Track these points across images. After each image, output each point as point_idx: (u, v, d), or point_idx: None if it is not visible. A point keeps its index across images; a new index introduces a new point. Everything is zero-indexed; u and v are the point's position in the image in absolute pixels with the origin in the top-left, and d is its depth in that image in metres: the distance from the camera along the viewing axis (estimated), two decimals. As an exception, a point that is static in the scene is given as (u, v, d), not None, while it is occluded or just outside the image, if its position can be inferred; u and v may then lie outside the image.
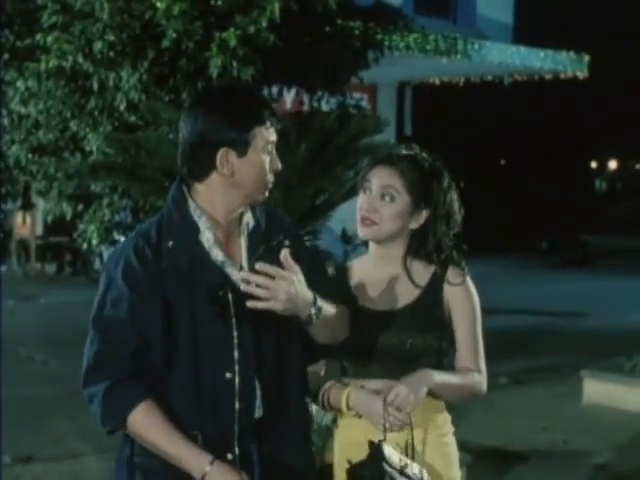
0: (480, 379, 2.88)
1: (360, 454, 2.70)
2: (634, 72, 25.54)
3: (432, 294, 2.87)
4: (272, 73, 9.49)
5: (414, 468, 2.70)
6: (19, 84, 9.37)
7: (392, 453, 2.68)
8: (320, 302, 2.58)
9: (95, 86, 9.04)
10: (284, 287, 2.47)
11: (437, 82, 18.36)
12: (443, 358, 2.88)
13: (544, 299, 13.86)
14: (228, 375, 2.56)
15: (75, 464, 6.08)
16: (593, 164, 33.93)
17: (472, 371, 2.86)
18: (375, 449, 2.68)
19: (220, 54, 8.61)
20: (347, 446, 2.84)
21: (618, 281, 16.30)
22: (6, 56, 9.75)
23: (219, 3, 8.91)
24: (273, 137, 2.64)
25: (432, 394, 2.83)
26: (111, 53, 8.84)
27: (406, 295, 2.87)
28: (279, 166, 2.66)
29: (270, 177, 2.65)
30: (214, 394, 2.55)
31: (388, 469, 2.64)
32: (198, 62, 8.89)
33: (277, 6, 8.68)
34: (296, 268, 2.51)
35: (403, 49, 13.98)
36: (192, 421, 2.54)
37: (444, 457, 2.86)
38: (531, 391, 8.43)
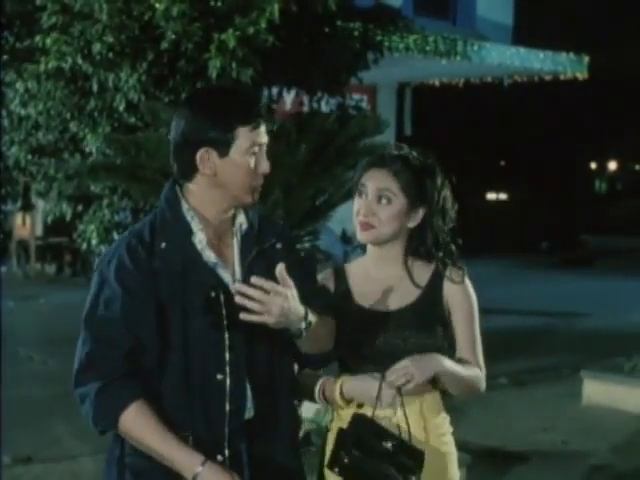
0: (481, 376, 2.90)
1: None
2: (634, 73, 25.54)
3: (433, 293, 2.87)
4: (272, 74, 9.50)
5: (404, 449, 2.70)
6: (18, 85, 9.38)
7: (380, 428, 2.70)
8: (310, 316, 2.58)
9: (94, 87, 9.04)
10: (278, 302, 2.47)
11: (437, 83, 18.37)
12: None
13: (544, 299, 13.86)
14: (219, 377, 2.56)
15: (75, 464, 6.08)
16: (593, 165, 33.93)
17: (474, 366, 2.88)
18: (354, 421, 2.70)
19: (219, 55, 8.61)
20: None
21: (618, 281, 16.30)
22: (6, 57, 9.75)
23: (218, 4, 8.91)
24: (260, 139, 2.60)
25: (430, 391, 2.84)
26: (110, 54, 8.84)
27: (407, 295, 2.87)
28: (267, 169, 2.63)
29: (257, 180, 2.63)
30: (205, 395, 2.55)
31: (346, 443, 2.67)
32: (197, 63, 8.90)
33: (276, 7, 8.68)
34: (290, 283, 2.51)
35: (403, 50, 13.99)
36: (183, 422, 2.53)
37: (443, 457, 2.87)
38: (531, 392, 8.42)
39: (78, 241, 9.53)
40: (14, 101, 9.51)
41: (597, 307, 13.16)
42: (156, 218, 2.63)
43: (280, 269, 2.50)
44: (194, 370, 2.54)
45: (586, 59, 16.89)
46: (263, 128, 2.62)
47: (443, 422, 2.91)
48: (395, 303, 2.86)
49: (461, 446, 4.77)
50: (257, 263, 2.65)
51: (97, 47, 8.78)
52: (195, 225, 2.60)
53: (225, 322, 2.57)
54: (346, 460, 2.66)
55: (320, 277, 2.90)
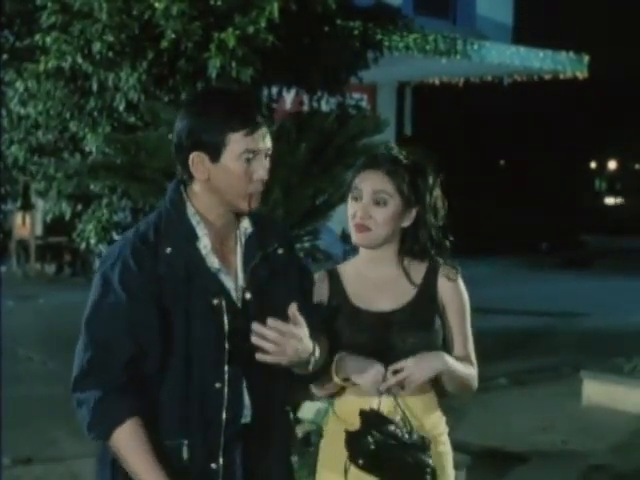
0: (475, 373, 2.93)
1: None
2: (634, 72, 25.54)
3: (428, 291, 2.88)
4: (271, 73, 9.49)
5: (413, 436, 2.72)
6: (18, 84, 9.36)
7: (386, 418, 2.71)
8: (317, 351, 2.59)
9: (94, 86, 9.03)
10: (293, 344, 2.48)
11: (437, 82, 18.36)
12: None
13: (544, 299, 13.85)
14: (217, 385, 2.54)
15: (75, 465, 6.07)
16: (593, 164, 33.93)
17: (469, 364, 2.90)
18: (364, 415, 2.69)
19: (219, 54, 8.60)
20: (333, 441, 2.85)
21: (618, 282, 16.29)
22: (5, 56, 9.74)
23: (218, 3, 8.90)
24: (255, 145, 2.55)
25: (427, 391, 2.85)
26: (110, 53, 8.83)
27: (403, 294, 2.87)
28: (264, 176, 2.59)
29: (253, 186, 2.58)
30: (203, 403, 2.54)
31: (373, 432, 2.66)
32: (197, 62, 8.88)
33: (276, 6, 8.67)
34: (302, 322, 2.50)
35: (403, 49, 13.99)
36: (179, 429, 2.53)
37: (439, 456, 2.86)
38: (531, 392, 8.42)
39: (77, 240, 9.52)
40: (14, 100, 9.50)
41: (597, 307, 13.16)
42: (161, 220, 2.59)
43: (293, 310, 2.50)
44: (193, 378, 2.53)
45: (586, 58, 16.89)
46: (261, 133, 2.57)
47: (440, 422, 2.92)
48: (392, 303, 2.86)
49: (461, 447, 4.76)
50: (260, 269, 2.63)
51: (97, 46, 8.77)
52: (200, 230, 2.57)
53: (226, 330, 2.55)
54: (372, 447, 2.66)
55: (316, 281, 2.88)
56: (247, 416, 2.61)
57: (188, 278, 2.53)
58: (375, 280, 2.89)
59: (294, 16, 9.08)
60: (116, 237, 9.11)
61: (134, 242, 2.56)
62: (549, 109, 22.92)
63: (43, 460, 6.38)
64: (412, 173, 2.84)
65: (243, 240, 2.65)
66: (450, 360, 2.79)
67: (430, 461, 2.71)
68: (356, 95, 11.98)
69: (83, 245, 9.42)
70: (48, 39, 8.93)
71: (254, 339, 2.46)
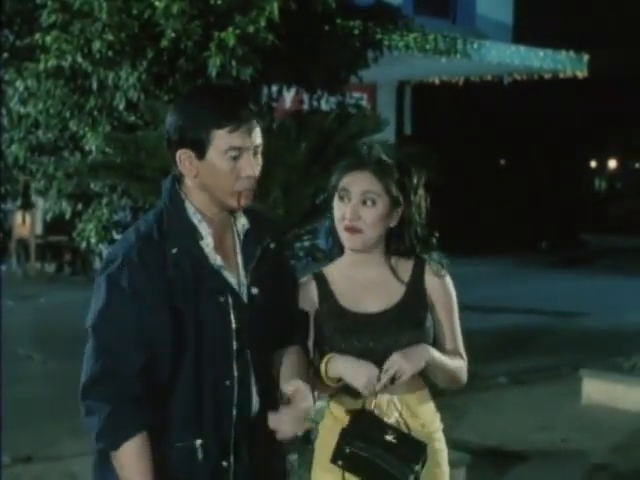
0: (464, 366, 2.92)
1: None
2: (634, 72, 25.55)
3: (417, 288, 2.88)
4: (271, 72, 9.50)
5: (409, 441, 2.73)
6: (18, 84, 9.38)
7: (377, 420, 2.73)
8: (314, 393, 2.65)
9: (94, 86, 9.04)
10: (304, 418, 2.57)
11: (437, 81, 18.38)
12: None
13: (544, 299, 13.85)
14: (227, 383, 2.55)
15: (74, 464, 6.07)
16: (593, 163, 33.93)
17: (459, 356, 2.91)
18: (352, 416, 2.71)
19: (219, 53, 8.62)
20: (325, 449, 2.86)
21: (618, 281, 16.29)
22: (5, 55, 9.75)
23: (218, 3, 8.91)
24: (240, 142, 2.52)
25: (421, 388, 2.86)
26: (110, 53, 8.85)
27: (393, 294, 2.87)
28: (252, 173, 2.55)
29: (242, 184, 2.55)
30: (215, 402, 2.54)
31: (352, 435, 2.68)
32: (197, 62, 8.90)
33: (276, 6, 8.68)
34: (308, 394, 2.56)
35: (403, 48, 14.00)
36: (192, 430, 2.53)
37: (434, 453, 2.87)
38: (530, 391, 8.42)
39: (77, 240, 9.52)
40: (14, 99, 9.51)
41: (596, 306, 13.16)
42: (162, 219, 2.57)
43: (294, 387, 2.56)
44: (205, 377, 2.52)
45: (586, 57, 16.91)
46: (246, 130, 2.53)
47: (435, 418, 2.92)
48: (381, 304, 2.86)
49: (460, 446, 4.77)
50: (260, 265, 2.64)
51: (97, 45, 8.78)
52: (204, 229, 2.56)
53: (234, 327, 2.55)
54: (348, 450, 2.67)
55: (303, 286, 2.87)
56: (255, 411, 2.62)
57: (195, 277, 2.52)
58: (363, 282, 2.88)
59: (294, 15, 9.09)
60: (116, 236, 9.12)
61: (139, 244, 2.52)
62: (549, 108, 22.91)
63: (43, 459, 6.37)
64: (398, 172, 2.84)
65: (241, 237, 2.66)
66: (435, 352, 2.80)
67: (416, 467, 2.70)
68: (356, 94, 12.00)
69: (83, 244, 9.43)
70: (48, 38, 8.95)
71: (271, 424, 2.55)
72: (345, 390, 2.82)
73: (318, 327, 2.85)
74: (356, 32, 10.87)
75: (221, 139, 2.51)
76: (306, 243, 6.18)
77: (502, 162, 24.72)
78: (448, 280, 2.93)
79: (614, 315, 12.38)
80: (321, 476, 2.86)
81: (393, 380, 2.71)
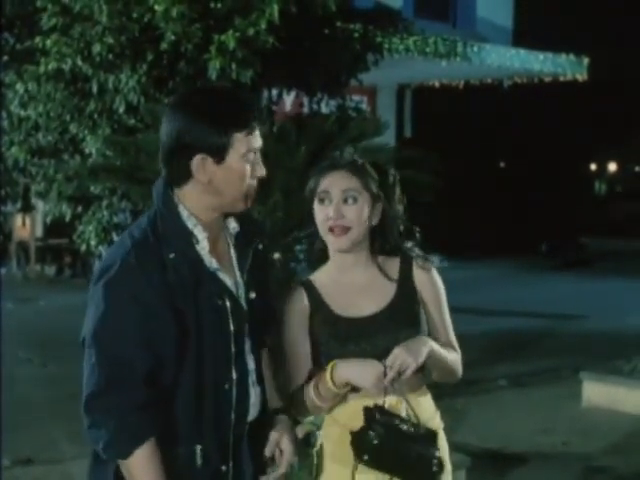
0: (459, 358, 2.93)
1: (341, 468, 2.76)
2: (634, 74, 25.55)
3: (407, 287, 2.88)
4: (271, 75, 9.49)
5: (420, 429, 2.73)
6: (18, 87, 9.38)
7: (390, 412, 2.71)
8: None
9: (94, 89, 9.04)
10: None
11: (437, 85, 18.38)
12: None
13: (543, 302, 13.85)
14: (226, 386, 2.55)
15: (74, 466, 6.06)
16: (593, 166, 33.94)
17: (453, 349, 2.91)
18: (367, 412, 2.68)
19: (219, 56, 8.61)
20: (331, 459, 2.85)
21: (618, 283, 16.29)
22: (6, 58, 9.75)
23: (218, 6, 8.91)
24: (256, 144, 2.55)
25: (421, 386, 2.86)
26: (110, 56, 8.85)
27: (384, 295, 2.87)
28: (263, 173, 2.59)
29: (251, 185, 2.58)
30: (214, 406, 2.53)
31: (375, 426, 2.65)
32: (197, 64, 8.90)
33: (276, 8, 8.67)
34: (290, 450, 2.69)
35: (403, 52, 14.01)
36: (192, 434, 2.52)
37: None
38: (531, 393, 8.42)
39: (77, 242, 9.52)
40: (14, 102, 9.51)
41: (597, 309, 13.16)
42: (156, 224, 2.54)
43: (277, 441, 2.67)
44: (205, 381, 2.51)
45: (586, 60, 16.92)
46: (257, 132, 2.57)
47: (435, 416, 2.93)
48: (374, 306, 2.85)
49: (461, 448, 4.77)
50: (254, 267, 2.66)
51: (97, 48, 8.78)
52: (199, 233, 2.55)
53: (232, 330, 2.55)
54: (375, 441, 2.65)
55: (291, 295, 2.86)
56: (253, 414, 2.62)
57: (193, 281, 2.51)
58: (353, 285, 2.87)
59: (294, 18, 9.09)
60: (116, 239, 9.11)
61: (135, 249, 2.50)
62: (549, 112, 22.93)
63: (43, 461, 6.38)
64: (374, 171, 2.86)
65: (233, 239, 2.66)
66: (433, 344, 2.80)
67: (437, 453, 2.72)
68: (356, 97, 11.98)
69: (83, 247, 9.42)
70: (48, 41, 8.95)
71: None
72: (349, 395, 2.80)
73: (313, 336, 2.83)
74: (356, 35, 10.86)
75: (241, 142, 2.52)
76: (305, 246, 6.18)
77: (502, 165, 24.73)
78: (435, 273, 2.93)
79: (614, 318, 12.38)
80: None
81: (399, 375, 2.70)
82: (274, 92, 10.35)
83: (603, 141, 29.44)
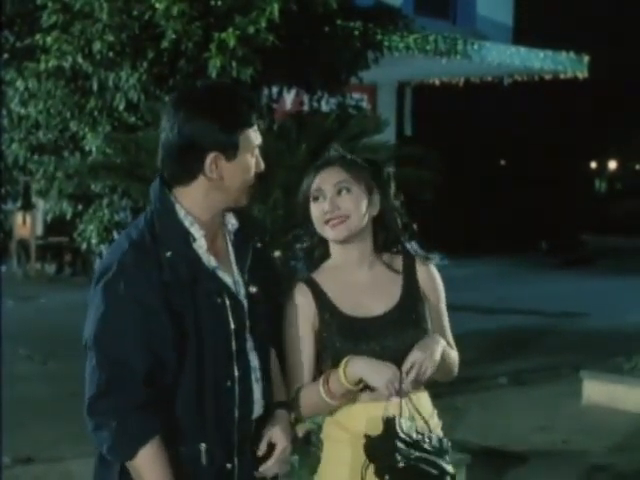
0: (457, 357, 2.92)
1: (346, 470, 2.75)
2: (634, 72, 25.54)
3: (412, 286, 2.88)
4: (272, 73, 9.49)
5: (433, 440, 2.71)
6: (19, 84, 9.37)
7: (409, 425, 2.68)
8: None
9: (95, 86, 9.03)
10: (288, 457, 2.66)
11: (437, 82, 18.37)
12: None
13: (544, 299, 13.85)
14: (228, 383, 2.54)
15: (74, 465, 6.07)
16: (593, 164, 33.93)
17: (452, 348, 2.91)
18: (389, 424, 2.65)
19: (219, 54, 8.61)
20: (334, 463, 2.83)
21: (618, 281, 16.30)
22: (6, 56, 9.75)
23: (218, 4, 8.90)
24: (259, 140, 2.60)
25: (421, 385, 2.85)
26: (110, 53, 8.84)
27: (391, 294, 2.86)
28: (262, 167, 2.62)
29: (251, 180, 2.61)
30: (217, 404, 2.53)
31: (400, 445, 2.63)
32: (197, 62, 8.89)
33: (276, 6, 8.67)
34: (283, 441, 2.64)
35: (403, 49, 14.00)
36: (196, 433, 2.52)
37: None
38: (530, 391, 8.43)
39: (78, 240, 9.52)
40: (14, 100, 9.50)
41: (597, 307, 13.17)
42: (153, 224, 2.55)
43: (270, 435, 2.63)
44: (206, 379, 2.51)
45: (586, 58, 16.91)
46: (260, 128, 2.62)
47: (434, 414, 2.92)
48: (382, 306, 2.84)
49: (461, 446, 4.76)
50: (254, 265, 2.65)
51: (97, 46, 8.78)
52: (196, 231, 2.55)
53: (232, 327, 2.55)
54: (402, 464, 2.62)
55: (295, 294, 2.83)
56: (257, 411, 2.62)
57: (191, 280, 2.51)
58: (358, 284, 2.86)
59: (294, 16, 9.08)
60: (117, 237, 9.10)
61: (132, 249, 2.50)
62: (549, 109, 22.93)
63: (43, 460, 6.38)
64: (364, 164, 2.87)
65: (232, 236, 2.66)
66: (443, 341, 2.80)
67: (449, 468, 2.71)
68: (356, 95, 11.96)
69: (84, 245, 9.42)
70: (49, 39, 8.94)
71: (258, 475, 2.62)
72: (353, 398, 2.78)
73: (320, 335, 2.81)
74: (356, 33, 10.85)
75: (249, 138, 2.56)
76: (306, 244, 6.18)
77: (502, 163, 24.73)
78: (437, 273, 2.94)
79: (614, 316, 12.38)
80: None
81: (420, 378, 2.70)
82: (274, 90, 10.34)
83: (603, 139, 29.43)
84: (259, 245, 2.71)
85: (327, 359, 2.79)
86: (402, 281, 2.87)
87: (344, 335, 2.78)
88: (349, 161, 2.86)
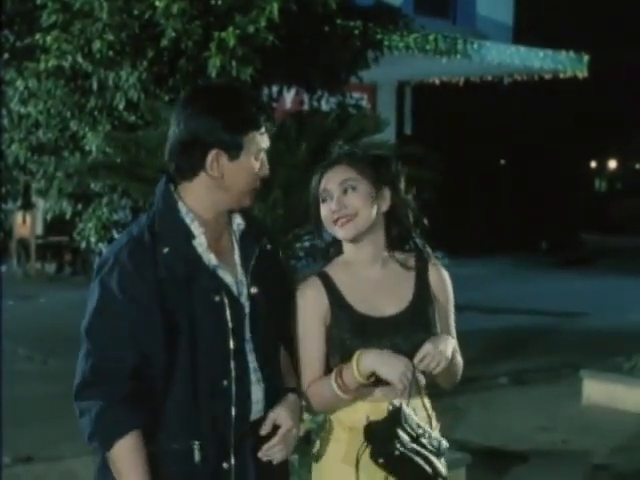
0: (462, 364, 2.91)
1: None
2: (634, 72, 25.54)
3: (424, 287, 2.87)
4: (271, 73, 9.50)
5: (432, 439, 2.71)
6: (19, 84, 9.37)
7: (412, 418, 2.67)
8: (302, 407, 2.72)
9: (94, 86, 9.04)
10: (293, 437, 2.65)
11: (437, 82, 18.38)
12: None
13: (544, 299, 13.86)
14: (225, 382, 2.54)
15: (75, 464, 6.07)
16: (593, 164, 33.93)
17: (458, 352, 2.90)
18: (394, 411, 2.65)
19: (219, 54, 8.61)
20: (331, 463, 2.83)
21: (618, 281, 16.30)
22: (6, 56, 9.75)
23: (218, 3, 8.91)
24: (266, 143, 2.62)
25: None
26: (110, 53, 8.84)
27: (404, 294, 2.85)
28: (267, 173, 2.64)
29: (257, 183, 2.63)
30: (211, 402, 2.53)
31: (401, 433, 2.63)
32: (197, 62, 8.90)
33: (276, 6, 8.68)
34: (288, 422, 2.62)
35: (403, 49, 14.01)
36: (189, 431, 2.52)
37: None
38: (531, 391, 8.43)
39: (77, 239, 9.53)
40: (14, 99, 9.50)
41: (597, 307, 13.17)
42: (154, 221, 2.57)
43: (275, 418, 2.61)
44: (201, 377, 2.52)
45: (586, 58, 16.92)
46: (269, 132, 2.63)
47: (432, 415, 2.91)
48: (395, 305, 2.83)
49: (461, 446, 4.77)
50: (259, 265, 2.64)
51: (97, 45, 8.78)
52: (195, 228, 2.56)
53: (230, 326, 2.55)
54: (397, 452, 2.63)
55: (308, 287, 2.82)
56: (259, 412, 2.61)
57: (188, 277, 2.52)
58: (371, 282, 2.85)
59: (294, 16, 9.09)
60: (116, 236, 9.10)
61: (129, 245, 2.53)
62: (549, 109, 22.92)
63: (43, 459, 6.38)
64: (370, 159, 2.87)
65: (238, 236, 2.66)
66: (453, 341, 2.80)
67: (444, 470, 2.72)
68: (356, 95, 12.00)
69: (83, 244, 9.43)
70: (48, 38, 8.94)
71: (262, 455, 2.59)
72: (356, 397, 2.78)
73: (332, 331, 2.79)
74: (356, 32, 10.86)
75: (255, 140, 2.58)
76: (306, 243, 6.18)
77: (502, 162, 24.72)
78: (447, 275, 2.94)
79: (614, 315, 12.38)
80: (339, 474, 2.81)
81: (431, 370, 2.69)
82: (274, 89, 10.35)
83: (603, 138, 29.43)
84: (269, 247, 2.71)
85: (336, 355, 2.78)
86: (414, 281, 2.87)
87: (355, 332, 2.77)
88: (356, 157, 2.85)
